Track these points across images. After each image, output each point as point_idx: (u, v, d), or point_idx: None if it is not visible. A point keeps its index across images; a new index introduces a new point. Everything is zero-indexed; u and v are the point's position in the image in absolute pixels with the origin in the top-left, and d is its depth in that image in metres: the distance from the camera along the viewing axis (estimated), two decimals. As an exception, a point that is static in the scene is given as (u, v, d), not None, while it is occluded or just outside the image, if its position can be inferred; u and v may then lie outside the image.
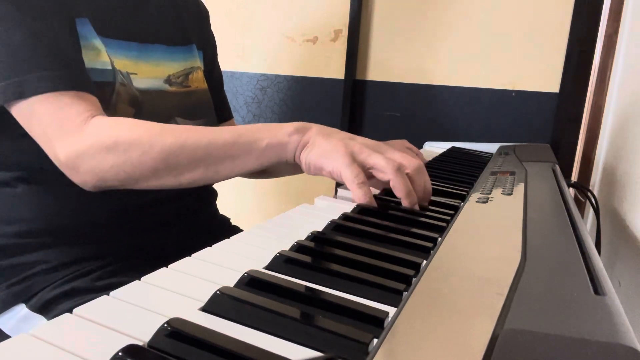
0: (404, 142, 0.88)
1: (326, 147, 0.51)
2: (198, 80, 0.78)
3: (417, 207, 0.53)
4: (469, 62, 1.24)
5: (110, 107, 0.62)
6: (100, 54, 0.62)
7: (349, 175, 0.49)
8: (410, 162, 0.53)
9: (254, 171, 0.55)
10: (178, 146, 0.52)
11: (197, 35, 0.81)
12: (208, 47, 0.84)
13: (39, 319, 0.59)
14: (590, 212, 1.09)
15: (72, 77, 0.55)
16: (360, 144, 0.52)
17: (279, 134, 0.53)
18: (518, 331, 0.24)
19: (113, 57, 0.65)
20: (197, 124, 0.75)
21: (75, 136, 0.53)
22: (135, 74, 0.67)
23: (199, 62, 0.79)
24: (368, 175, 0.52)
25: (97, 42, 0.62)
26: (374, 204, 0.51)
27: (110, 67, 0.63)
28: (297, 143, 0.52)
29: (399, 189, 0.51)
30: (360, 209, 0.51)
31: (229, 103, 0.93)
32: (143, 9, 0.71)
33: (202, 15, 0.84)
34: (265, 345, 0.25)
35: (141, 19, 0.70)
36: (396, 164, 0.51)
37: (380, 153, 0.52)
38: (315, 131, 0.53)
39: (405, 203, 0.52)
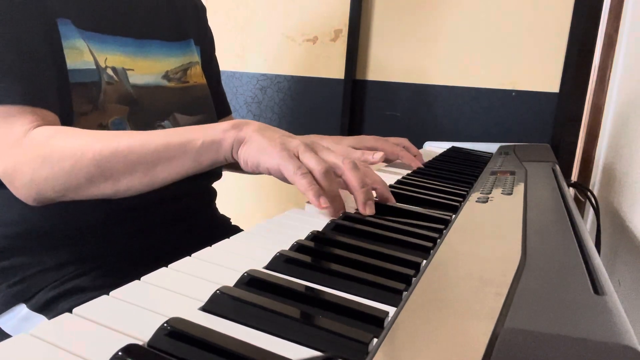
0: (404, 141, 0.88)
1: (263, 143, 0.49)
2: (196, 75, 0.78)
3: (324, 204, 0.47)
4: (469, 62, 1.24)
5: (99, 107, 0.61)
6: (82, 54, 0.61)
7: (290, 168, 0.47)
8: (345, 162, 0.51)
9: (195, 173, 0.53)
10: (110, 152, 0.51)
11: (194, 30, 0.81)
12: (205, 42, 0.84)
13: (40, 318, 0.59)
14: (590, 212, 1.09)
15: (23, 90, 0.54)
16: (298, 141, 0.50)
17: (213, 132, 0.51)
18: (518, 331, 0.24)
19: (107, 53, 0.64)
20: (196, 120, 0.75)
21: (13, 149, 0.53)
22: (132, 70, 0.67)
23: (196, 57, 0.79)
24: None
25: (79, 42, 0.61)
26: (318, 197, 0.47)
27: (94, 67, 0.62)
28: (233, 139, 0.51)
29: (302, 187, 0.48)
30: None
31: (227, 99, 0.93)
32: (138, 5, 0.70)
33: (198, 10, 0.84)
34: (265, 345, 0.25)
35: (137, 15, 0.70)
36: (326, 166, 0.49)
37: (314, 152, 0.50)
38: (253, 127, 0.51)
39: (316, 205, 0.48)
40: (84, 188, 0.52)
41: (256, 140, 0.50)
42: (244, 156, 0.50)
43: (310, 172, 0.48)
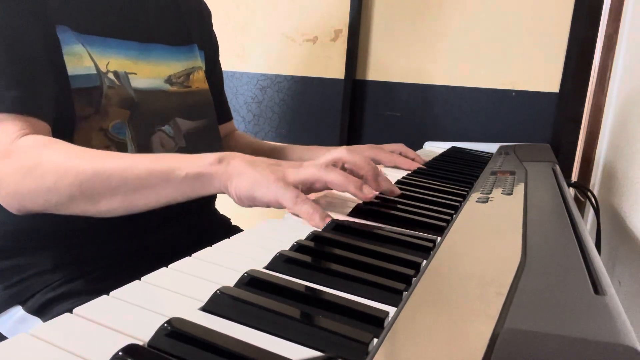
0: (400, 147, 0.88)
1: (255, 177, 0.49)
2: (199, 80, 0.78)
3: (370, 193, 0.50)
4: (469, 62, 1.24)
5: (100, 111, 0.61)
6: (82, 59, 0.61)
7: (288, 198, 0.48)
8: (339, 152, 0.53)
9: (179, 202, 0.52)
10: (92, 173, 0.50)
11: (199, 35, 0.81)
12: (209, 47, 0.84)
13: (36, 320, 0.59)
14: (590, 212, 1.09)
15: (16, 98, 0.54)
16: (286, 167, 0.51)
17: (198, 164, 0.50)
18: (518, 331, 0.24)
19: (109, 57, 0.64)
20: (197, 125, 0.75)
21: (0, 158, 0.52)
22: (135, 73, 0.67)
23: (200, 62, 0.79)
24: (307, 193, 0.52)
25: (78, 48, 0.61)
26: (324, 218, 0.48)
27: (95, 72, 0.62)
28: (221, 174, 0.50)
29: (338, 182, 0.50)
30: (360, 209, 0.51)
31: (228, 104, 0.93)
32: (143, 9, 0.70)
33: (204, 15, 0.84)
34: (265, 345, 0.25)
35: (141, 19, 0.70)
36: (322, 163, 0.50)
37: (304, 167, 0.51)
38: (240, 161, 0.50)
39: (351, 191, 0.50)
40: (65, 206, 0.52)
41: (246, 174, 0.49)
42: (237, 192, 0.49)
43: (309, 199, 0.49)
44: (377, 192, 0.51)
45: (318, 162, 0.52)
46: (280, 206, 0.49)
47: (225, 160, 0.51)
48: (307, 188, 0.53)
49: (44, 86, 0.57)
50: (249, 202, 0.50)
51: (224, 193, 0.51)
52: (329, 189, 0.52)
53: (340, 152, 0.53)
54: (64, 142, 0.54)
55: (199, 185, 0.51)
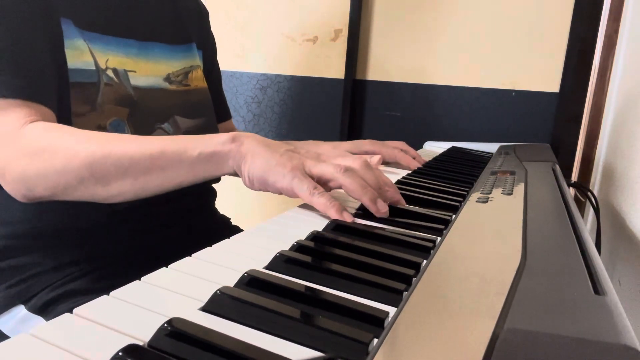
0: (401, 144, 0.88)
1: (270, 161, 0.48)
2: (197, 79, 0.78)
3: (384, 208, 0.49)
4: (469, 62, 1.24)
5: (97, 108, 0.61)
6: (83, 54, 0.61)
7: (305, 189, 0.47)
8: (355, 162, 0.51)
9: (190, 184, 0.51)
10: (103, 154, 0.49)
11: (197, 34, 0.81)
12: (207, 46, 0.85)
13: (38, 320, 0.59)
14: (590, 212, 1.09)
15: (22, 85, 0.53)
16: (303, 156, 0.50)
17: (211, 143, 0.50)
18: (518, 331, 0.24)
19: (109, 54, 0.64)
20: (196, 123, 0.75)
21: (6, 143, 0.52)
22: (134, 71, 0.67)
23: (198, 61, 0.79)
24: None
25: (80, 42, 0.61)
26: (340, 212, 0.48)
27: (93, 67, 0.62)
28: (236, 153, 0.50)
29: (353, 189, 0.49)
30: (360, 209, 0.51)
31: (227, 104, 0.93)
32: (142, 8, 0.71)
33: (202, 15, 0.85)
34: (266, 345, 0.25)
35: (140, 17, 0.70)
36: (342, 167, 0.49)
37: (323, 162, 0.50)
38: (254, 142, 0.50)
39: (365, 202, 0.49)
40: (74, 189, 0.51)
41: (262, 155, 0.49)
42: (249, 173, 0.49)
43: (325, 192, 0.48)
44: (387, 208, 0.50)
45: (336, 162, 0.51)
46: (293, 195, 0.48)
47: (239, 139, 0.50)
48: (320, 184, 0.52)
49: (49, 76, 0.57)
50: (259, 185, 0.50)
51: (236, 175, 0.51)
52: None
53: (354, 164, 0.52)
54: (73, 128, 0.54)
55: (213, 165, 0.50)
